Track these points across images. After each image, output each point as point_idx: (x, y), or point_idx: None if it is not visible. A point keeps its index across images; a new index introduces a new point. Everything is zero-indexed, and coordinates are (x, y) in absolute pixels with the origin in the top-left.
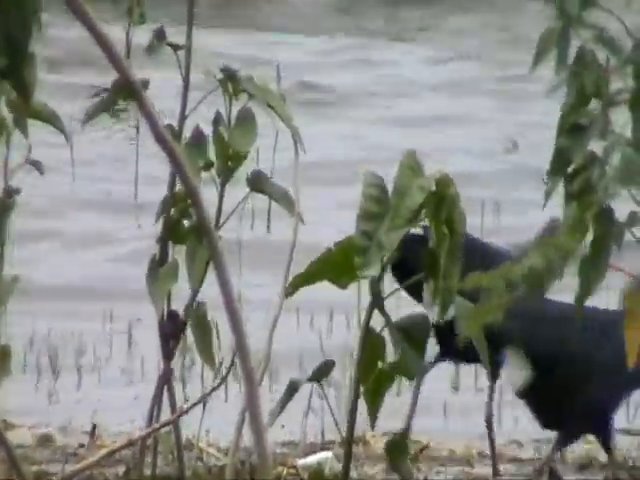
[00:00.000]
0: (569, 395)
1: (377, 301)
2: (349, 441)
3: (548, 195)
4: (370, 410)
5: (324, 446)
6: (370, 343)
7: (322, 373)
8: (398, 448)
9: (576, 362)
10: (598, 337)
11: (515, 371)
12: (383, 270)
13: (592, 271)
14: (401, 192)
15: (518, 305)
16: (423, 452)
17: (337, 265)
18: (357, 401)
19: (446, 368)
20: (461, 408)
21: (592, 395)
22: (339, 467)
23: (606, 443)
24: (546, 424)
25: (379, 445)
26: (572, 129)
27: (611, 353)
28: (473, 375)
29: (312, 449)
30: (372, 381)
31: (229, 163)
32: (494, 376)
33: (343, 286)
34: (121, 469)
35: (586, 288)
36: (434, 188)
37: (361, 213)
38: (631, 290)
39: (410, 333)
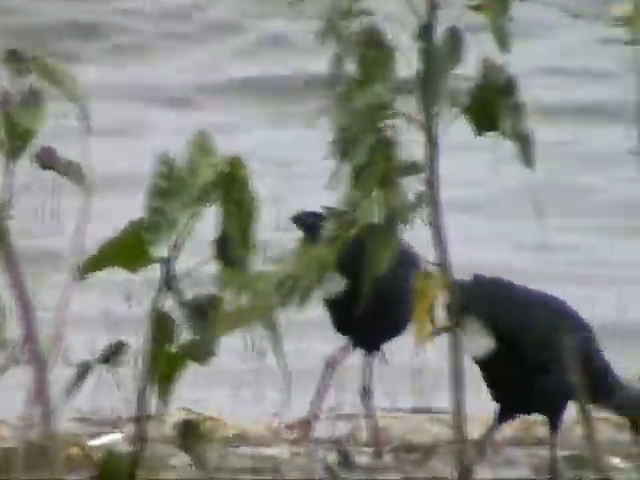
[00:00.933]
0: (529, 375)
1: (168, 280)
2: (140, 421)
3: (335, 178)
4: (161, 392)
5: (115, 426)
6: (159, 324)
7: (113, 354)
8: (190, 429)
9: (539, 345)
10: (560, 324)
11: (474, 340)
12: (175, 249)
13: (381, 248)
14: (192, 170)
15: (483, 283)
16: (215, 431)
17: (127, 249)
18: (148, 382)
19: (235, 342)
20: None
21: (553, 378)
22: (130, 448)
23: (554, 425)
24: (497, 398)
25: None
26: (352, 110)
27: (571, 340)
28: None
29: (104, 429)
30: (163, 364)
31: (18, 141)
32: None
33: (134, 271)
34: None
35: (375, 265)
36: (225, 169)
37: (151, 190)
38: (419, 275)
39: (202, 314)
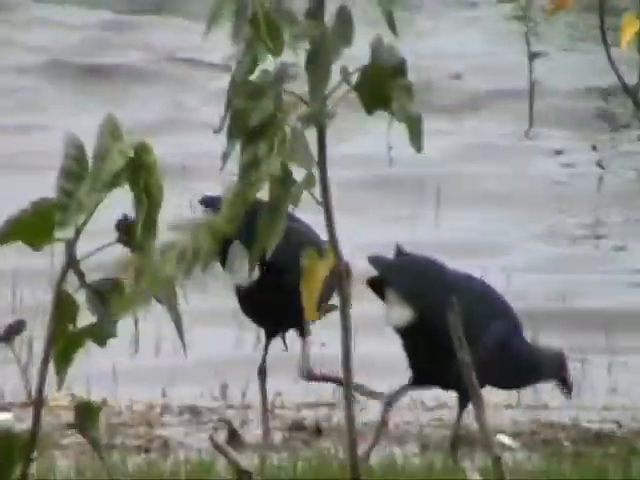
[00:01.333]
0: (440, 352)
1: (71, 262)
2: (38, 401)
3: (226, 157)
4: (57, 372)
5: (6, 407)
6: (62, 305)
7: (12, 332)
8: (86, 412)
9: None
10: (480, 306)
11: (394, 310)
12: (79, 232)
13: (269, 228)
14: (101, 155)
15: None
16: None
17: (32, 226)
18: (47, 362)
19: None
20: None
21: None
22: (20, 427)
23: (462, 404)
24: (410, 367)
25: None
26: (245, 88)
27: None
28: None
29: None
30: (62, 344)
31: None
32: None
33: (37, 248)
34: None
35: (262, 243)
36: (132, 154)
37: (62, 172)
38: (308, 254)
39: (102, 297)
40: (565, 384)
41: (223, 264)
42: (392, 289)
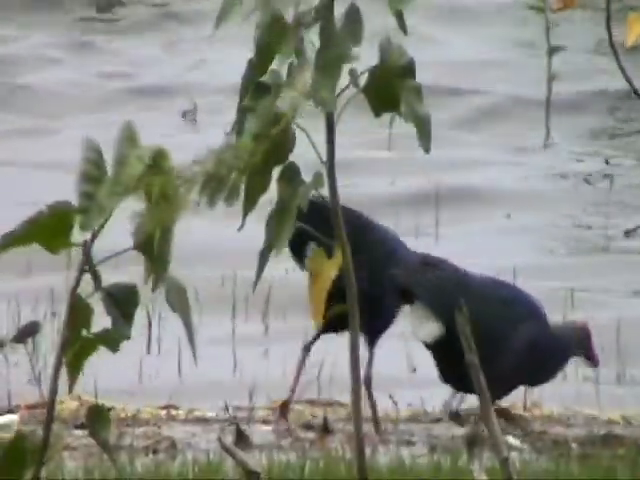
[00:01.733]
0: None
1: (87, 266)
2: (51, 404)
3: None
4: (69, 375)
5: (12, 409)
6: (77, 310)
7: (25, 334)
8: (97, 414)
9: (483, 331)
10: (511, 312)
11: (421, 323)
12: (95, 235)
13: (277, 228)
14: (121, 161)
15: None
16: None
17: (49, 229)
18: (60, 366)
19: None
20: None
21: (499, 362)
22: (26, 429)
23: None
24: (445, 380)
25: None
26: (255, 89)
27: (520, 328)
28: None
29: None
30: (75, 348)
31: None
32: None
33: (54, 251)
34: None
35: (270, 244)
36: (151, 160)
37: (81, 176)
38: (314, 254)
39: (119, 302)
40: (590, 358)
41: (296, 254)
42: (418, 303)
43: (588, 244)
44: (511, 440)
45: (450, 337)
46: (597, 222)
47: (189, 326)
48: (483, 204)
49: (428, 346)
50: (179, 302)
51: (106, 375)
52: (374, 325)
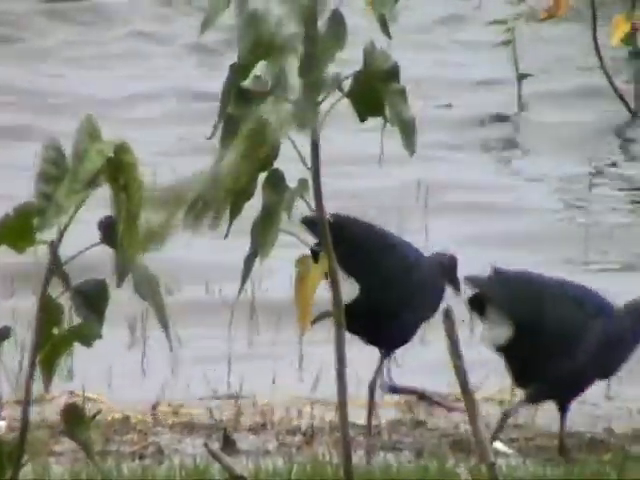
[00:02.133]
0: (545, 360)
1: (55, 266)
2: (26, 405)
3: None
4: (44, 374)
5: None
6: (47, 308)
7: None
8: (74, 414)
9: (558, 332)
10: (579, 312)
11: (495, 328)
12: (62, 234)
13: (262, 234)
14: (80, 156)
15: (505, 272)
16: (96, 418)
17: (15, 229)
18: (34, 367)
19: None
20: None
21: (568, 365)
22: (11, 433)
23: (564, 408)
24: (518, 382)
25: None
26: (238, 94)
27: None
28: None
29: None
30: (48, 346)
31: None
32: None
33: (20, 251)
34: None
35: (255, 250)
36: (112, 154)
37: (40, 175)
38: (301, 257)
39: (90, 299)
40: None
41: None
42: (493, 305)
43: None
44: (498, 445)
45: (524, 340)
46: None
47: (162, 314)
48: None
49: (500, 349)
50: (150, 291)
51: (99, 375)
52: (392, 340)
